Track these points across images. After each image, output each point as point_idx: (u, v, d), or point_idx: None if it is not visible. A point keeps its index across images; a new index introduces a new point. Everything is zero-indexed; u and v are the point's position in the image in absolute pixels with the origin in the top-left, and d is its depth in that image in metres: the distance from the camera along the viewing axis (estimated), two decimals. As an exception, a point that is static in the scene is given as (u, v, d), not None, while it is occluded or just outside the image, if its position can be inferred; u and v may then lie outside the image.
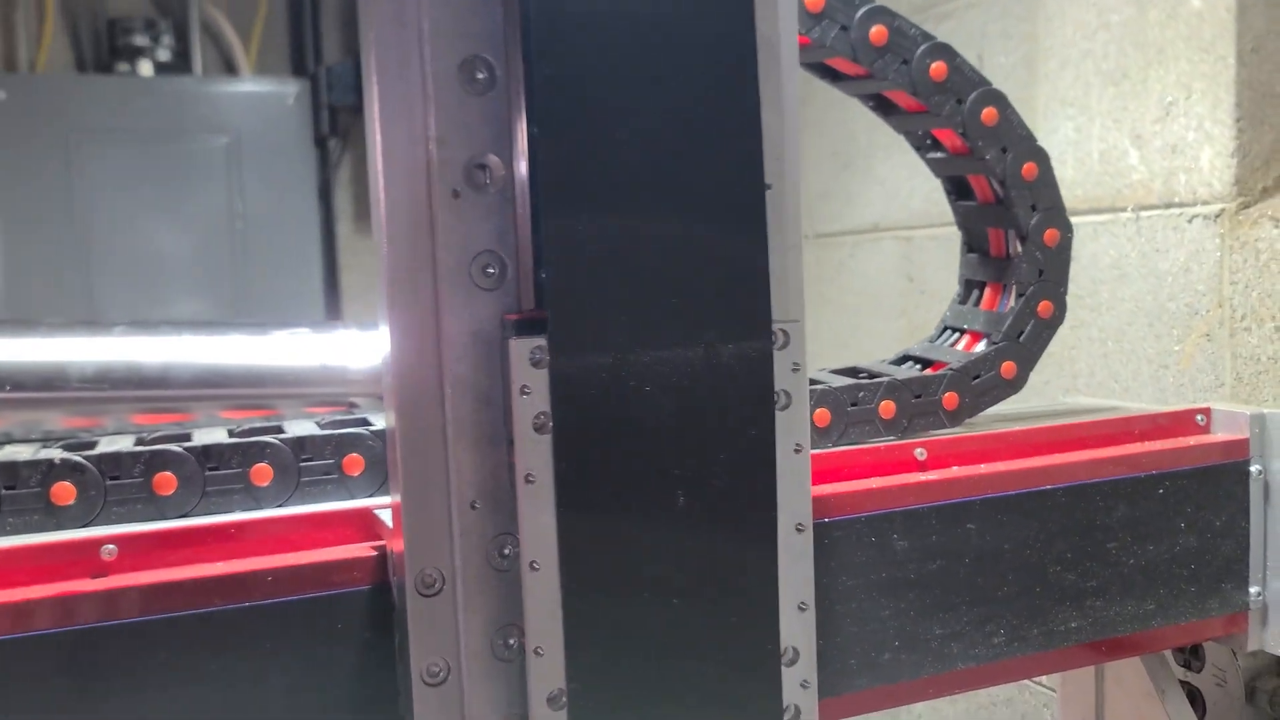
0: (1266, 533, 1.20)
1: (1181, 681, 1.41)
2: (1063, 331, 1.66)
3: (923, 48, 1.06)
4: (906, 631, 1.03)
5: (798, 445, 0.82)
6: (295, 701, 0.82)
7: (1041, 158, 1.11)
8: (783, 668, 0.81)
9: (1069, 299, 1.70)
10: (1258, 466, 1.19)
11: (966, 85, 1.08)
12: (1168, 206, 1.44)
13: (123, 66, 2.76)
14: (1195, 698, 1.39)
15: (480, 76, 0.76)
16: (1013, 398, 1.29)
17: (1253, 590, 1.20)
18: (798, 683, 0.83)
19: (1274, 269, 1.30)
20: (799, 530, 0.83)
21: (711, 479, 0.77)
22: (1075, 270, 1.63)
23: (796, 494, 0.82)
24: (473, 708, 0.79)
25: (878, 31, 1.05)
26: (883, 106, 1.14)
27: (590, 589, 0.75)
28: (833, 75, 1.10)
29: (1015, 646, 1.08)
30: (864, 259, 2.09)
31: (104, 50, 2.83)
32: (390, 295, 0.76)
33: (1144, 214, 1.48)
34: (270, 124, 2.83)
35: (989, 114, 1.08)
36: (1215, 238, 1.37)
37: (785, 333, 0.80)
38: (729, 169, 0.77)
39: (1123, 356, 1.53)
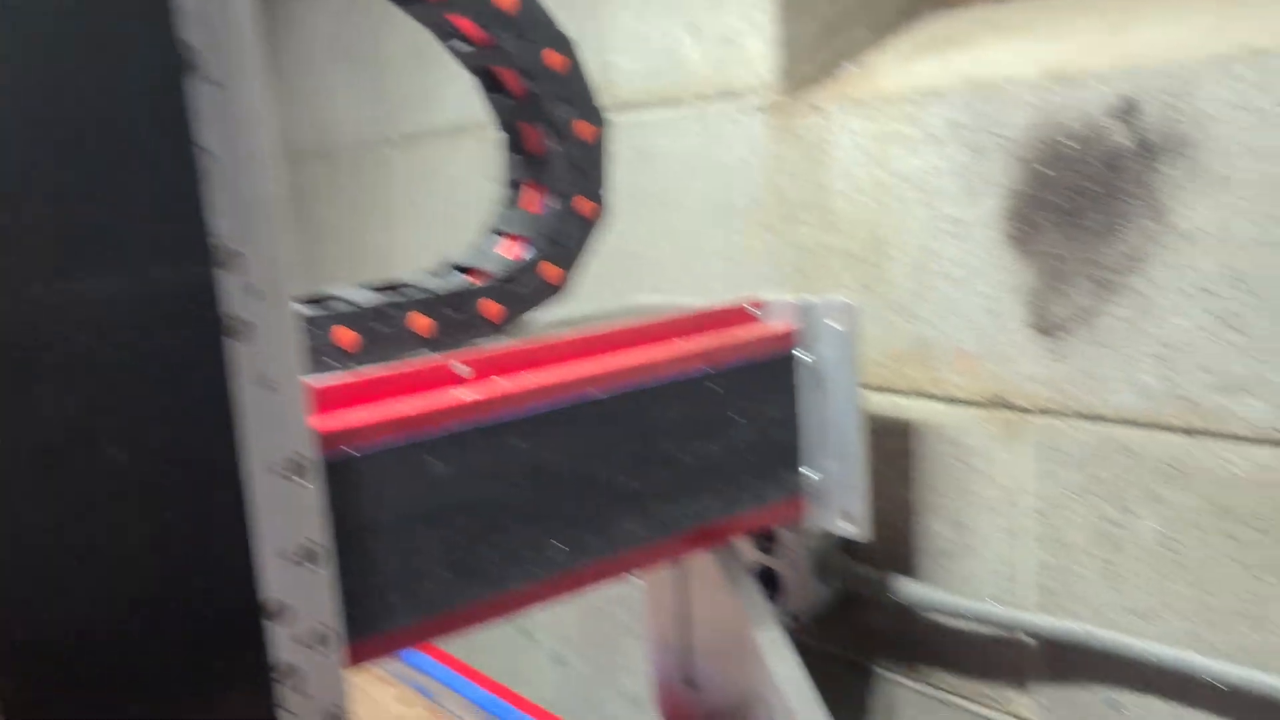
0: (818, 417, 1.22)
1: (765, 566, 1.46)
2: (640, 231, 1.65)
3: (422, -73, 0.97)
4: (456, 559, 0.97)
5: (267, 378, 0.72)
6: None
7: (567, 46, 1.05)
8: (267, 624, 0.73)
9: (648, 197, 1.69)
10: (806, 354, 1.21)
11: (478, -32, 1.00)
12: (724, 98, 1.43)
13: None
14: (774, 579, 1.44)
15: None
16: (580, 300, 1.25)
17: (806, 473, 1.23)
18: (288, 637, 0.74)
19: (817, 157, 1.32)
20: (282, 472, 0.74)
21: (151, 427, 0.67)
22: (649, 168, 1.61)
23: (274, 432, 0.73)
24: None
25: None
26: (396, -6, 1.04)
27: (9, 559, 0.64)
28: (334, -40, 0.99)
29: (575, 557, 1.05)
30: (450, 161, 2.00)
31: None
32: None
33: (705, 107, 1.47)
34: None
35: None
36: (767, 128, 1.38)
37: (234, 252, 0.70)
38: (131, 70, 0.65)
39: (698, 253, 1.53)
